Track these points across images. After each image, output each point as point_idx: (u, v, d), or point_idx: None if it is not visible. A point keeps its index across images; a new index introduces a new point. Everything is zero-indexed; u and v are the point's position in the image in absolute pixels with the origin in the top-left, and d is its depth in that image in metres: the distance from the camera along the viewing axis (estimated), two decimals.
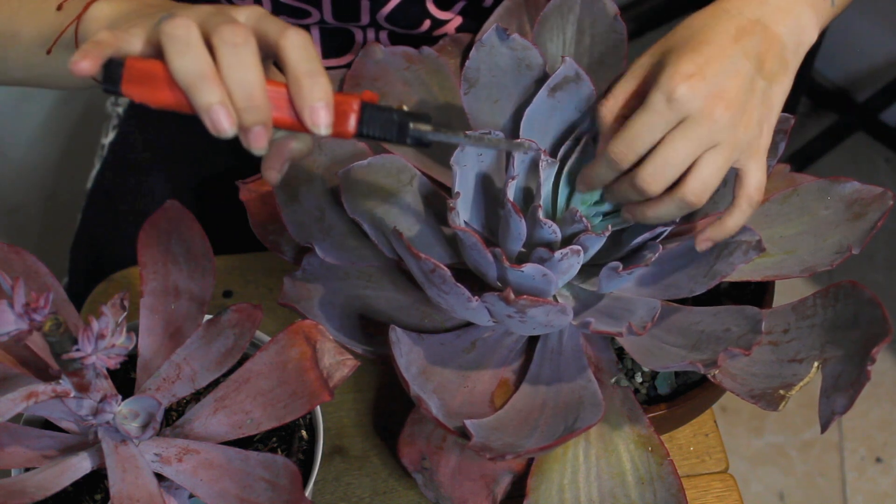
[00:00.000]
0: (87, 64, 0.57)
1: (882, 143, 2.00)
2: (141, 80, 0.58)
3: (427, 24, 0.91)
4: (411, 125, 0.61)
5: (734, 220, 0.69)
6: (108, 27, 0.63)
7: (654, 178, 0.66)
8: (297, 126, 0.59)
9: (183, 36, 0.57)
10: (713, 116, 0.65)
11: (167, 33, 0.57)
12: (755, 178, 0.68)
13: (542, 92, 0.77)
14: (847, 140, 1.99)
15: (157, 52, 0.59)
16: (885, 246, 1.87)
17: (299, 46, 0.58)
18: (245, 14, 0.61)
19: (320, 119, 0.58)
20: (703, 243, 0.70)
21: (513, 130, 0.80)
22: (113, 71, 0.58)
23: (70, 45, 0.68)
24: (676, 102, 0.65)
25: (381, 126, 0.60)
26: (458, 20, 0.92)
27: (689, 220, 0.77)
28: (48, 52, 0.68)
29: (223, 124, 0.57)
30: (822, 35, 1.71)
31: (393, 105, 0.62)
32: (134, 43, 0.59)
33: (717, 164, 0.66)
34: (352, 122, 0.60)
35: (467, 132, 0.66)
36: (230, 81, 0.57)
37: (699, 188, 0.66)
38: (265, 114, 0.58)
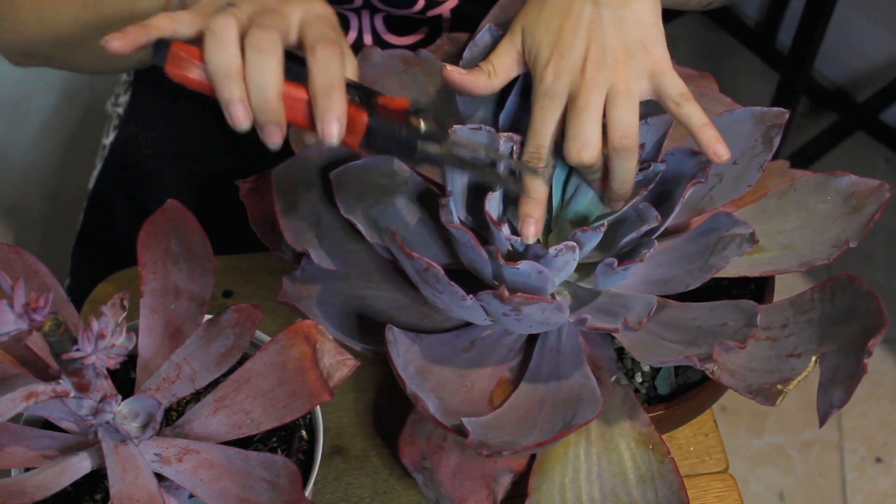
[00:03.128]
0: (118, 44, 0.63)
1: (882, 143, 2.00)
2: (180, 65, 0.64)
3: (421, 3, 0.90)
4: (420, 145, 0.67)
5: (690, 121, 0.71)
6: (178, 6, 0.70)
7: (580, 147, 0.70)
8: (313, 129, 0.65)
9: (220, 33, 0.63)
10: (586, 78, 0.70)
11: (209, 28, 0.63)
12: (671, 86, 0.71)
13: (512, 98, 0.77)
14: (847, 140, 1.99)
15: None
16: (884, 245, 1.87)
17: (324, 60, 0.64)
18: (299, 13, 0.66)
19: (332, 132, 0.63)
20: (709, 143, 0.71)
21: (508, 129, 0.80)
22: (161, 51, 0.64)
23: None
24: (551, 91, 0.71)
25: (387, 142, 0.67)
26: (453, 1, 0.92)
27: (691, 216, 0.78)
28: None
29: (239, 118, 0.63)
30: (822, 35, 1.71)
31: (419, 118, 0.68)
32: (187, 28, 0.65)
33: (623, 105, 0.70)
34: (358, 137, 0.66)
35: (477, 157, 0.71)
36: (250, 82, 0.63)
37: (620, 133, 0.70)
38: (277, 115, 0.63)
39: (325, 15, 0.67)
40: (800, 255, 0.75)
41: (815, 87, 2.06)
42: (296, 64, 0.65)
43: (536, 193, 0.72)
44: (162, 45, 0.64)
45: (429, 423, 0.74)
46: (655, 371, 0.77)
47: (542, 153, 0.72)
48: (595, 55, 0.70)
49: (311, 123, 0.65)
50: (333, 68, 0.64)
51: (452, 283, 0.66)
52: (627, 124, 0.70)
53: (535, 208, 0.72)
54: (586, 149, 0.70)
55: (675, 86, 0.71)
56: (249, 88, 0.63)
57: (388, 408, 0.84)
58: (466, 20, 0.92)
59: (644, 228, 0.71)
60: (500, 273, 0.70)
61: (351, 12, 0.93)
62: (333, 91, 0.63)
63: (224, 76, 0.62)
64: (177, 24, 0.65)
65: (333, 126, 0.63)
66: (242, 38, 0.63)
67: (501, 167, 0.73)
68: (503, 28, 0.78)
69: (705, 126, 0.70)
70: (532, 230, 0.72)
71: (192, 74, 0.64)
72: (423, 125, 0.68)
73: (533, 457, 0.73)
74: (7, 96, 1.40)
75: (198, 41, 0.65)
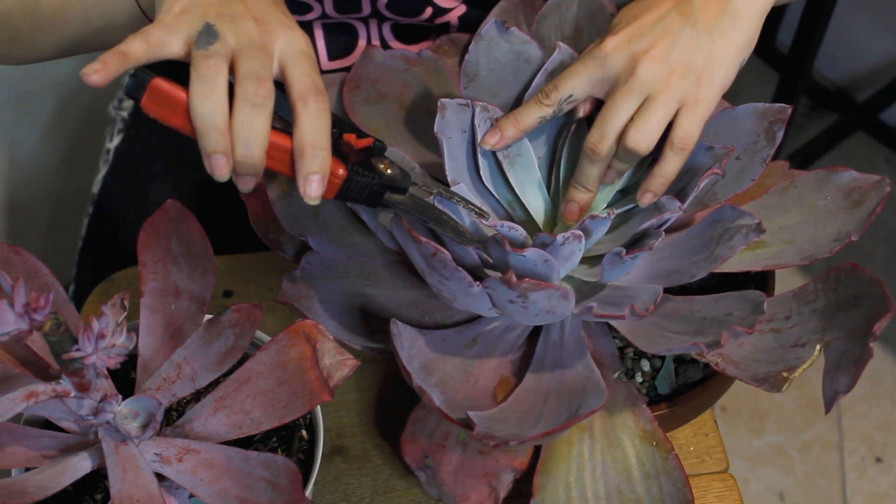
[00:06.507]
0: (97, 78, 0.59)
1: (882, 143, 2.00)
2: (160, 102, 0.60)
3: (429, 11, 0.90)
4: (387, 195, 0.67)
5: (661, 168, 0.73)
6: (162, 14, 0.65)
7: (599, 138, 0.72)
8: (292, 177, 0.63)
9: (209, 80, 0.60)
10: (637, 72, 0.71)
11: (198, 69, 0.60)
12: (681, 127, 0.72)
13: (539, 78, 0.77)
14: (847, 140, 1.99)
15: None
16: (884, 243, 1.88)
17: (314, 116, 0.62)
18: (281, 45, 0.64)
19: (312, 190, 0.62)
20: (643, 196, 0.74)
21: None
22: (138, 83, 0.60)
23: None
24: (599, 56, 0.72)
25: (358, 194, 0.67)
26: (461, 8, 0.92)
27: (695, 211, 0.78)
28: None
29: (220, 171, 0.61)
30: (822, 35, 1.71)
31: (383, 160, 0.67)
32: (173, 47, 0.62)
33: (654, 113, 0.71)
34: (333, 191, 0.66)
35: (442, 209, 0.71)
36: (236, 134, 0.60)
37: (637, 136, 0.71)
38: (258, 169, 0.62)
39: (307, 50, 0.65)
40: (801, 250, 0.75)
41: (815, 87, 2.06)
42: (278, 91, 0.62)
43: (523, 115, 0.74)
44: (139, 77, 0.60)
45: (431, 421, 0.74)
46: (656, 371, 0.77)
47: (553, 96, 0.74)
48: (657, 54, 0.71)
49: (292, 172, 0.63)
50: (323, 124, 0.63)
51: (459, 268, 0.66)
52: (650, 132, 0.71)
53: (509, 125, 0.75)
54: (603, 141, 0.72)
55: (684, 128, 0.71)
56: (235, 142, 0.60)
57: (388, 407, 0.84)
58: (474, 28, 0.92)
59: (666, 216, 0.71)
60: (506, 260, 0.70)
61: (359, 21, 0.93)
62: (319, 150, 0.62)
63: (210, 128, 0.60)
64: (151, 49, 0.61)
65: (315, 187, 0.62)
66: (231, 69, 0.61)
67: (464, 217, 0.73)
68: (507, 22, 0.78)
69: (659, 176, 0.72)
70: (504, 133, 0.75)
71: (174, 115, 0.60)
72: (389, 171, 0.67)
73: (536, 455, 0.73)
74: (9, 96, 1.40)
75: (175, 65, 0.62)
